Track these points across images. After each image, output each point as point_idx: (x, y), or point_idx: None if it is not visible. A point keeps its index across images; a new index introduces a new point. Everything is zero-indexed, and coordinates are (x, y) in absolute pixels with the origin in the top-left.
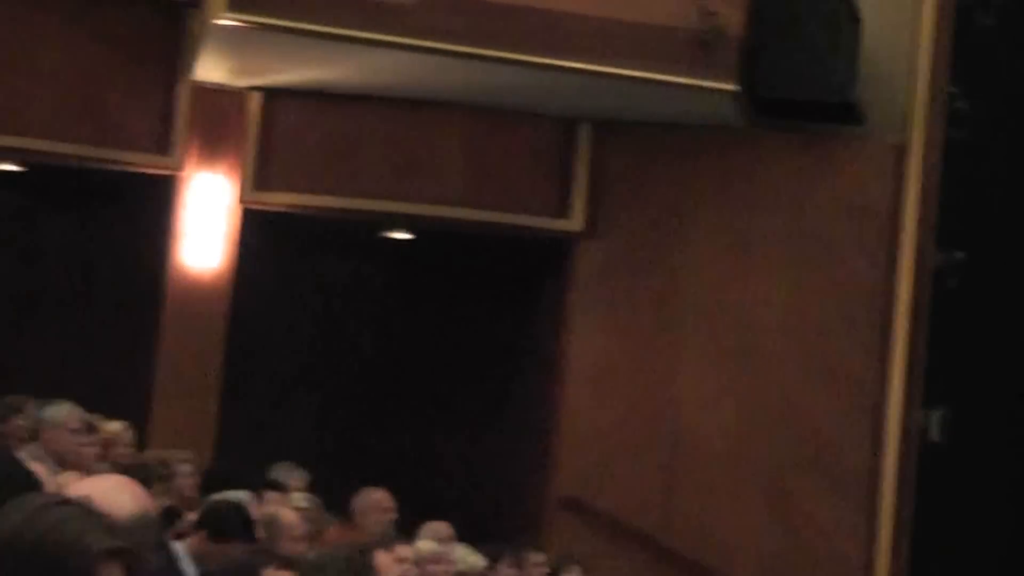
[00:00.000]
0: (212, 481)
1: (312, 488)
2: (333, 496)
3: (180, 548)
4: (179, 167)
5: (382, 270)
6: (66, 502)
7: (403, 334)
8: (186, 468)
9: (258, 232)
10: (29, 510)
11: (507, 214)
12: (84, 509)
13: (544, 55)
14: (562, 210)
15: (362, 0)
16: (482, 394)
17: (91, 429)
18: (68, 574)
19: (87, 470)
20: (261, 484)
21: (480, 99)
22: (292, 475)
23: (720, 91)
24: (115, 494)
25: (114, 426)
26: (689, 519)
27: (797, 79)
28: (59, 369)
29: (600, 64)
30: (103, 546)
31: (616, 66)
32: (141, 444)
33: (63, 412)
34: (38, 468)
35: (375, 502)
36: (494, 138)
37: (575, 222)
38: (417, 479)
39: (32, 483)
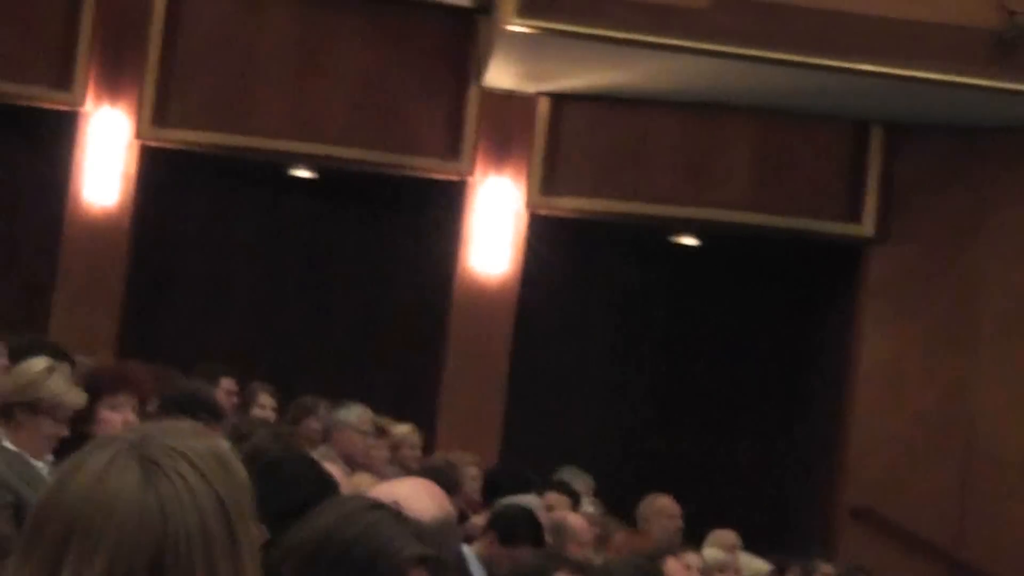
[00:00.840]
0: (495, 484)
1: (597, 493)
2: (618, 501)
3: (469, 551)
4: (468, 172)
5: (670, 275)
6: (377, 506)
7: (691, 339)
8: (472, 471)
9: (545, 236)
10: (341, 513)
11: (797, 219)
12: (394, 514)
13: (836, 57)
14: (853, 215)
15: (652, 4)
16: (770, 401)
17: (381, 431)
18: None
19: (378, 472)
20: (543, 487)
21: (770, 102)
22: (577, 480)
23: (1021, 92)
24: (418, 498)
25: (402, 428)
26: (982, 531)
27: None
28: (350, 372)
29: (894, 66)
30: (413, 553)
31: (911, 68)
32: (428, 447)
33: (354, 414)
34: (333, 469)
35: (662, 508)
36: (784, 141)
37: (866, 227)
38: (704, 486)
39: (327, 484)
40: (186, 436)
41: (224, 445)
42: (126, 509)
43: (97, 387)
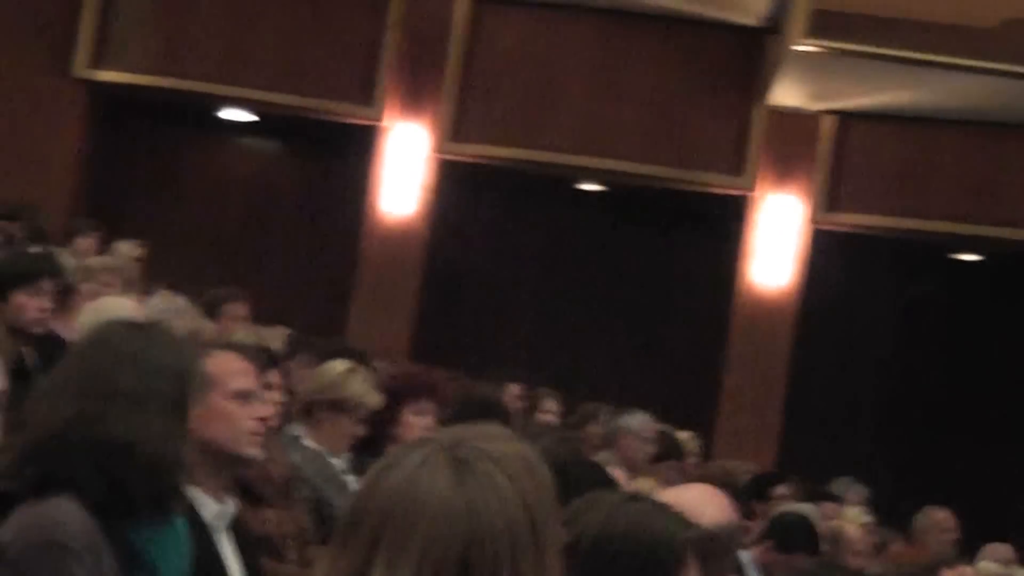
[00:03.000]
0: (756, 486)
1: (871, 504)
2: (894, 513)
3: (747, 557)
4: (752, 188)
5: (951, 291)
6: (635, 498)
7: (969, 354)
8: (747, 479)
9: (826, 251)
10: (606, 507)
11: None
12: (656, 503)
13: None
14: None
15: (941, 24)
16: None
17: (662, 438)
18: (659, 565)
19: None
20: (816, 496)
21: None
22: (851, 490)
23: None
24: (702, 503)
25: (682, 436)
26: None
27: None
28: (633, 379)
29: None
30: (690, 535)
31: None
32: (706, 455)
33: (637, 421)
34: (617, 474)
35: (937, 521)
36: None
37: None
38: (981, 499)
39: (613, 489)
40: (496, 440)
41: (531, 450)
42: (438, 506)
43: (402, 392)
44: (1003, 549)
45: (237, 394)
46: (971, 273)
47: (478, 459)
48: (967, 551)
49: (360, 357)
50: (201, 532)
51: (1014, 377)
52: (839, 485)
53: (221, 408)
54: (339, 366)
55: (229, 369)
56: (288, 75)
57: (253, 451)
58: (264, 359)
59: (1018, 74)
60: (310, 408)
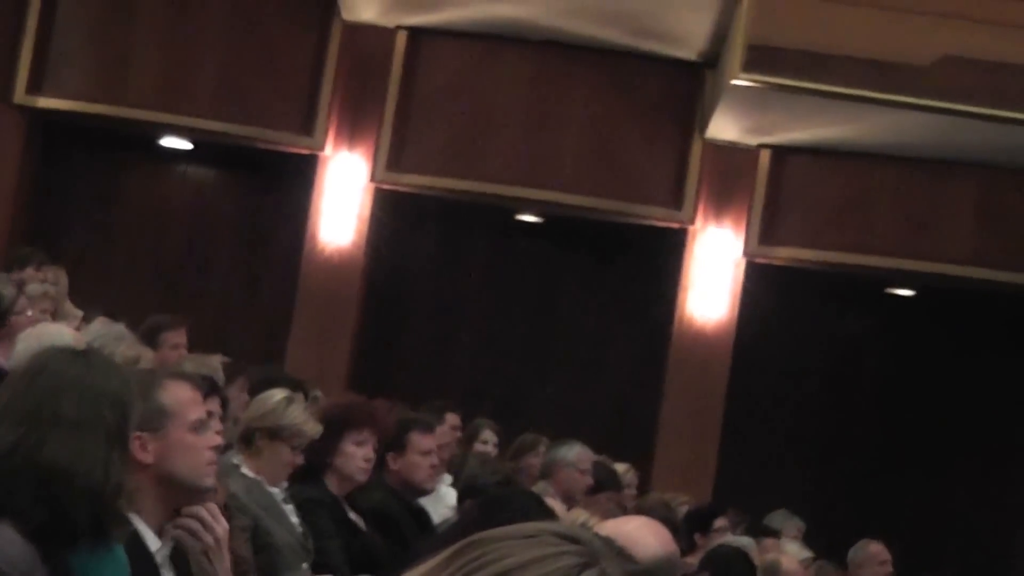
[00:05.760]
0: (697, 519)
1: (807, 537)
2: (830, 546)
3: None
4: (690, 221)
5: (886, 325)
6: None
7: (905, 389)
8: (684, 511)
9: (762, 285)
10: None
11: (1014, 273)
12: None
13: None
14: None
15: (876, 60)
16: (985, 450)
17: (599, 470)
18: None
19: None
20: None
21: (992, 157)
22: (787, 523)
23: None
24: (643, 535)
25: (620, 467)
26: None
27: None
28: (571, 411)
29: None
30: (630, 569)
31: None
32: (643, 487)
33: (574, 452)
34: (555, 505)
35: (872, 555)
36: (1005, 197)
37: None
38: (917, 533)
39: (547, 519)
40: None
41: None
42: None
43: (342, 421)
44: None
45: (193, 425)
46: (906, 308)
47: None
48: None
49: (298, 385)
50: (142, 560)
51: (947, 411)
52: (776, 518)
53: (180, 440)
54: (278, 394)
55: (184, 400)
56: (228, 103)
57: (210, 482)
58: (207, 387)
59: (952, 111)
60: (249, 436)
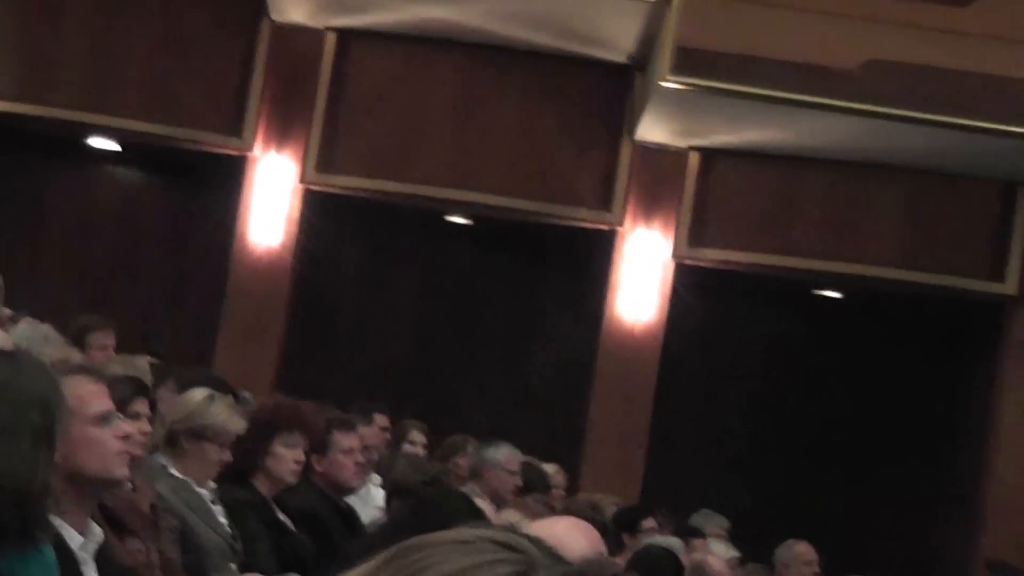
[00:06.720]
0: (625, 519)
1: (734, 536)
2: (756, 546)
3: None
4: (618, 222)
5: (812, 327)
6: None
7: (831, 391)
8: (612, 512)
9: (691, 286)
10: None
11: (941, 276)
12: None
13: (985, 119)
14: (997, 273)
15: (805, 64)
16: (911, 452)
17: (528, 471)
18: None
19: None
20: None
21: (918, 161)
22: (711, 521)
23: None
24: (571, 536)
25: (548, 468)
26: None
27: None
28: (500, 412)
29: None
30: (559, 569)
31: None
32: (572, 488)
33: (503, 453)
34: (484, 506)
35: (798, 555)
36: (931, 200)
37: (1010, 285)
38: (842, 534)
39: (476, 520)
40: None
41: None
42: None
43: (272, 423)
44: None
45: (96, 418)
46: (833, 310)
47: None
48: None
49: (223, 386)
50: (68, 562)
51: (874, 412)
52: (700, 518)
53: (84, 435)
54: (200, 393)
55: (83, 394)
56: (156, 104)
57: (122, 472)
58: (133, 388)
59: (879, 114)
60: (174, 437)
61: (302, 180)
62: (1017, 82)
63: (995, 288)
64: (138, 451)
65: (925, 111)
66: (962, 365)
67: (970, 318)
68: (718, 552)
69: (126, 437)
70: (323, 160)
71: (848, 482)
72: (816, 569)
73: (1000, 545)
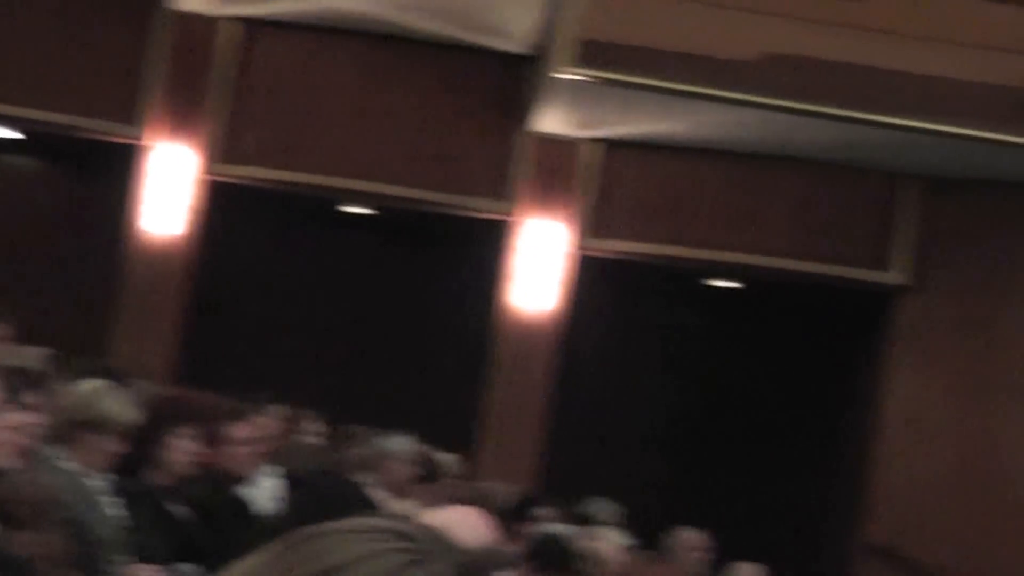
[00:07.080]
0: (518, 508)
1: (626, 523)
2: (649, 534)
3: None
4: (514, 213)
5: (711, 317)
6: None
7: (726, 380)
8: (507, 500)
9: (588, 277)
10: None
11: (832, 266)
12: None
13: (876, 112)
14: (883, 263)
15: (702, 56)
16: (802, 441)
17: (424, 460)
18: None
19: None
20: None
21: (812, 153)
22: (604, 510)
23: None
24: (463, 525)
25: (445, 458)
26: (1008, 570)
27: None
28: (397, 402)
29: (930, 121)
30: (450, 558)
31: (944, 124)
32: (470, 476)
33: (399, 443)
34: (379, 496)
35: (689, 541)
36: (823, 192)
37: (895, 275)
38: (734, 522)
39: (371, 509)
40: None
41: None
42: None
43: (167, 414)
44: (754, 569)
45: None
46: (730, 300)
47: None
48: (719, 571)
49: (119, 376)
50: None
51: (768, 402)
52: (593, 505)
53: None
54: (90, 385)
55: None
56: (49, 92)
57: (7, 462)
58: (24, 379)
59: (776, 107)
60: (66, 428)
61: (201, 169)
62: (905, 76)
63: (881, 277)
64: (28, 442)
65: (819, 103)
66: (850, 353)
67: (858, 307)
68: (611, 540)
69: (15, 428)
70: (221, 149)
71: (739, 470)
72: (706, 556)
73: (887, 530)
